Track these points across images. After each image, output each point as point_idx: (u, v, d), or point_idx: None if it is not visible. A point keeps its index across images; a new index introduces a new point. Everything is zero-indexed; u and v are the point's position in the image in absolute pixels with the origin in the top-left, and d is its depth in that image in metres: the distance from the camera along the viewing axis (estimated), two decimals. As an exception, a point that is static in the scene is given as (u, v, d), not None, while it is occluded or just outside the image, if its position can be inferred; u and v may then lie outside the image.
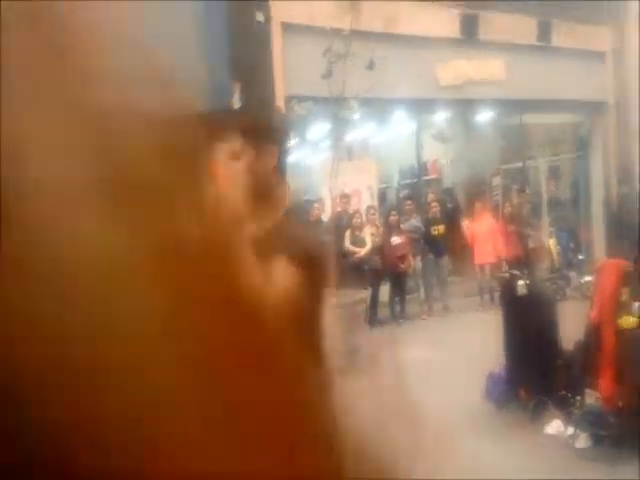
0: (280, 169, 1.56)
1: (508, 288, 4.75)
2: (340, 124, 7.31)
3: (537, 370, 4.27)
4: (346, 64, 6.63)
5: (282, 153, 1.59)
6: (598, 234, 10.89)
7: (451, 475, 2.10)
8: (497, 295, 8.19)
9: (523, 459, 3.58)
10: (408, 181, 10.94)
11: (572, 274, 8.39)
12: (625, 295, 3.80)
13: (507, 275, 5.28)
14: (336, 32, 6.79)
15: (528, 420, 4.15)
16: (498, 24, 9.12)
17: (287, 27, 7.40)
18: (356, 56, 6.72)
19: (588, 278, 7.29)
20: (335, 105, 7.01)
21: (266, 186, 1.44)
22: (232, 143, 1.32)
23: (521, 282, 4.61)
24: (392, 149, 10.48)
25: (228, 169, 1.26)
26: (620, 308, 3.81)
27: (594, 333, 3.94)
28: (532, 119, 10.93)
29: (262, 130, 1.54)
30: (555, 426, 3.95)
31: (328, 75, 6.86)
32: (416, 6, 8.11)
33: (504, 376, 4.48)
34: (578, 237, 10.05)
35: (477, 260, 8.49)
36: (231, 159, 1.31)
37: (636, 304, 3.77)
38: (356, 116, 7.33)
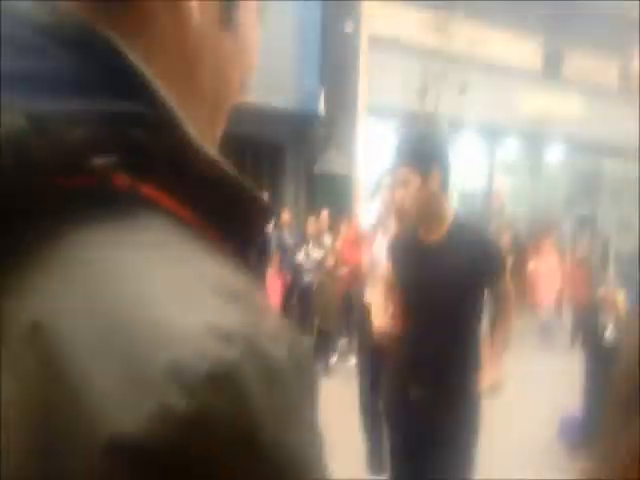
0: (444, 191, 1.94)
1: (594, 332, 4.65)
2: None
3: None
4: (441, 85, 7.09)
5: (446, 177, 1.93)
6: None
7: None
8: (557, 338, 8.45)
9: None
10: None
11: None
12: None
13: (595, 318, 4.98)
14: (434, 52, 7.21)
15: None
16: (580, 63, 8.57)
17: (378, 42, 7.58)
18: (451, 77, 7.10)
19: None
20: (427, 123, 7.03)
21: (432, 206, 1.88)
22: (400, 171, 1.92)
23: (609, 328, 4.57)
24: (457, 171, 8.38)
25: (399, 194, 1.86)
26: None
27: None
28: (605, 165, 10.72)
29: (427, 157, 1.92)
30: None
31: (424, 93, 7.05)
32: (499, 34, 7.90)
33: (580, 418, 4.50)
34: None
35: (539, 298, 8.17)
36: (401, 186, 1.89)
37: None
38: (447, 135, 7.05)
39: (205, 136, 0.36)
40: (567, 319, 8.78)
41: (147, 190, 0.32)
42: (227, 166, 0.35)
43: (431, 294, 1.89)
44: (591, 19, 8.60)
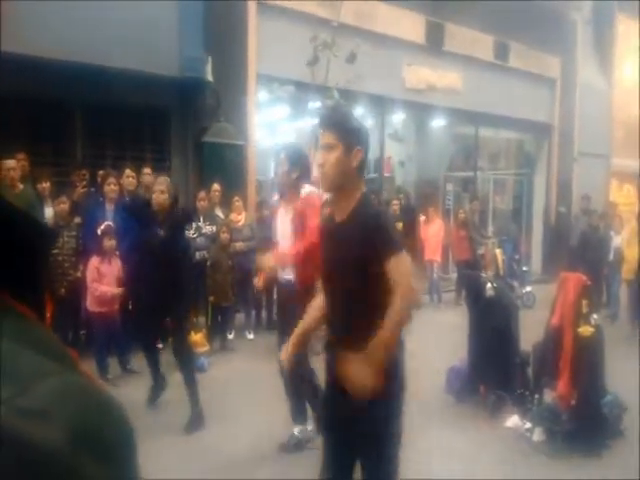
0: (361, 171, 2.04)
1: (476, 289, 4.81)
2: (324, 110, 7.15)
3: (498, 368, 4.52)
4: (331, 54, 6.84)
5: (365, 159, 2.04)
6: (536, 247, 12.18)
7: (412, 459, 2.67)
8: (444, 294, 9.21)
9: (481, 449, 3.78)
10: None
11: (515, 284, 8.28)
12: (585, 306, 4.02)
13: (476, 276, 5.16)
14: (324, 22, 6.95)
15: (487, 413, 4.35)
16: (460, 37, 8.94)
17: (268, 8, 7.43)
18: (340, 47, 6.92)
19: (529, 289, 8.78)
20: (316, 92, 6.90)
21: (348, 181, 2.00)
22: (326, 135, 1.98)
23: (489, 285, 4.72)
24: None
25: (321, 156, 1.99)
26: (579, 318, 4.01)
27: (554, 338, 4.14)
28: (483, 132, 11.31)
29: (354, 133, 2.01)
30: (513, 420, 4.20)
31: (314, 62, 6.90)
32: (387, 7, 8.14)
33: (465, 371, 4.66)
34: (519, 249, 9.97)
35: (427, 256, 8.73)
36: (325, 149, 1.98)
37: (594, 315, 4.11)
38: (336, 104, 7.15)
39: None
40: (453, 277, 9.52)
41: None
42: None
43: (335, 269, 2.05)
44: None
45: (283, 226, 3.61)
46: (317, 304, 2.23)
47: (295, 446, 3.65)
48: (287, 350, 2.29)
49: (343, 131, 2.03)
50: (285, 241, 3.58)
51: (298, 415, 3.72)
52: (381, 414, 1.97)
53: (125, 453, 0.31)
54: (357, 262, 1.94)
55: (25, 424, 0.26)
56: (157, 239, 4.00)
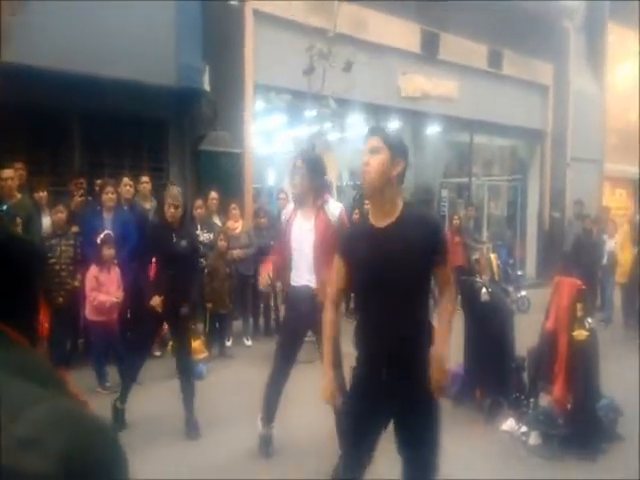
0: (400, 183, 2.13)
1: (472, 294, 4.81)
2: (319, 119, 7.38)
3: (493, 372, 4.54)
4: (327, 64, 6.84)
5: (404, 173, 2.15)
6: (531, 252, 12.19)
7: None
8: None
9: (477, 452, 3.80)
10: (358, 182, 10.79)
11: (510, 288, 8.32)
12: (579, 310, 4.03)
13: (472, 281, 5.16)
14: (320, 31, 7.04)
15: (483, 417, 4.36)
16: (455, 46, 9.10)
17: (265, 18, 7.58)
18: (336, 57, 6.90)
19: (524, 293, 8.82)
20: (313, 101, 7.00)
21: (389, 188, 2.09)
22: (373, 140, 2.10)
23: (484, 290, 4.74)
24: (343, 150, 10.04)
25: (366, 158, 2.08)
26: (574, 321, 4.03)
27: (549, 342, 4.16)
28: (477, 139, 11.37)
29: (399, 146, 2.15)
30: (509, 424, 4.22)
31: (310, 71, 6.88)
32: (383, 16, 8.34)
33: (462, 375, 4.66)
34: (514, 253, 10.32)
35: None
36: (371, 152, 2.07)
37: (588, 319, 4.13)
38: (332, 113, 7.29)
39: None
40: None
41: None
42: None
43: (386, 276, 2.05)
44: (463, 5, 9.28)
45: (302, 234, 3.52)
46: (336, 324, 2.34)
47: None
48: (331, 388, 2.30)
49: (389, 138, 2.16)
50: (304, 250, 3.50)
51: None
52: (436, 411, 2.14)
53: (116, 475, 0.32)
54: (415, 264, 2.05)
55: (18, 452, 0.26)
56: (177, 249, 4.05)
